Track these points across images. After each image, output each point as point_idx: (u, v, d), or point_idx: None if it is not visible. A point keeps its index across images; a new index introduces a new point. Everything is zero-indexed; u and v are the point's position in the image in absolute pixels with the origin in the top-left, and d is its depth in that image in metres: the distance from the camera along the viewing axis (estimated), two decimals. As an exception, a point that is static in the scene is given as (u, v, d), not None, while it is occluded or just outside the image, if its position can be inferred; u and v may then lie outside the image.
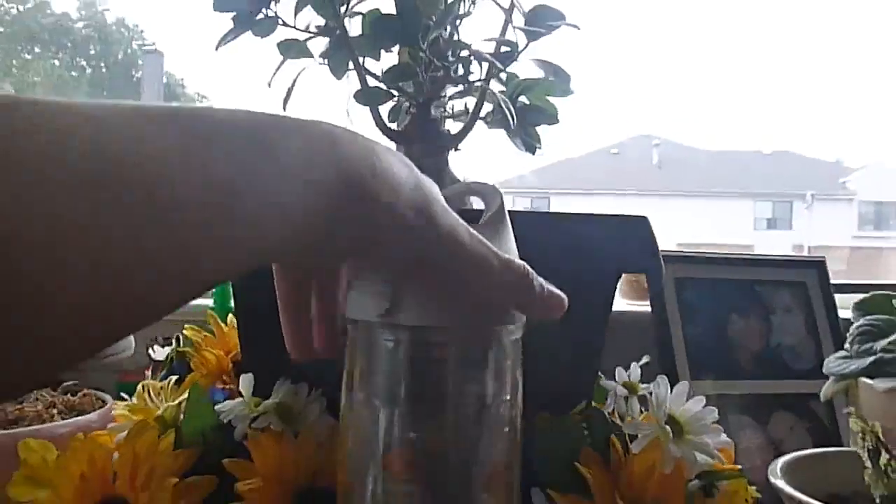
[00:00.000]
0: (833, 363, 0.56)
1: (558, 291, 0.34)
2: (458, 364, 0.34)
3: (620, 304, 0.84)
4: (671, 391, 0.47)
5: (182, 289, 0.23)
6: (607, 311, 0.52)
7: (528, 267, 0.33)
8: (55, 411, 0.63)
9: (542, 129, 0.64)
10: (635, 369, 0.50)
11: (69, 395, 0.67)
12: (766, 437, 0.69)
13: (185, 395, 0.49)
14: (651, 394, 0.47)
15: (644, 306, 0.80)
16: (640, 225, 0.51)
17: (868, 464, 0.39)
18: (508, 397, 0.35)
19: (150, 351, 0.74)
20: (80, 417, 0.63)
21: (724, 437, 0.48)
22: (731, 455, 0.50)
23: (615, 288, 0.53)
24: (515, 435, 0.35)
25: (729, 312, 0.73)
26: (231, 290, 0.51)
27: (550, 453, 0.43)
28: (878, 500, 0.39)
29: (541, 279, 0.34)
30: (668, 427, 0.45)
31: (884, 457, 0.38)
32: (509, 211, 0.40)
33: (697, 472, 0.47)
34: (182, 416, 0.47)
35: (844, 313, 0.77)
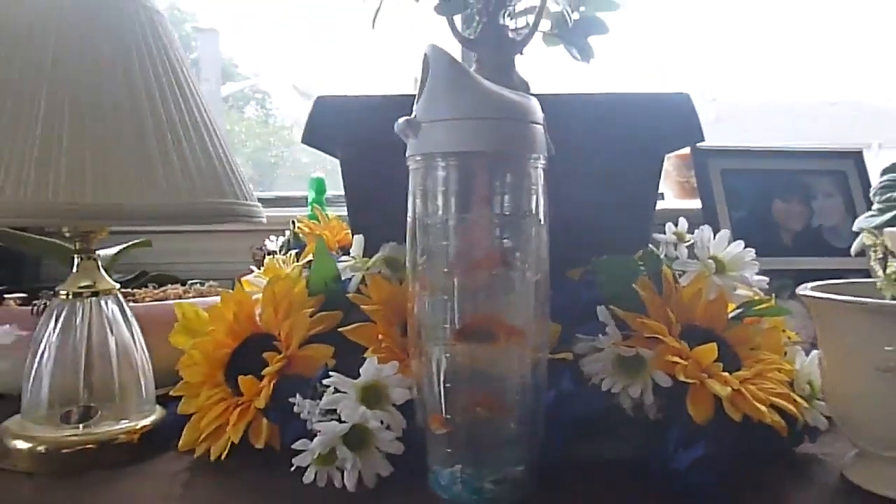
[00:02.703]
0: (861, 220, 0.63)
1: None
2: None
3: (671, 202, 0.92)
4: (714, 237, 0.56)
5: None
6: (656, 177, 0.61)
7: None
8: (190, 295, 0.75)
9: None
10: (683, 222, 0.59)
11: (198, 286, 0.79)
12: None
13: (309, 258, 0.60)
14: (697, 239, 0.55)
15: (693, 203, 0.87)
16: (682, 101, 0.58)
17: (879, 272, 0.47)
18: (537, 211, 0.44)
19: (255, 255, 0.86)
20: (208, 298, 0.74)
21: (760, 276, 0.56)
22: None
23: (661, 159, 0.61)
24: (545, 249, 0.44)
25: (773, 198, 0.80)
26: (341, 170, 0.61)
27: (614, 280, 0.52)
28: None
29: None
30: (711, 261, 0.54)
31: (891, 264, 0.46)
32: (550, 95, 0.48)
33: (739, 304, 0.55)
34: (308, 272, 0.58)
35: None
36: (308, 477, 0.45)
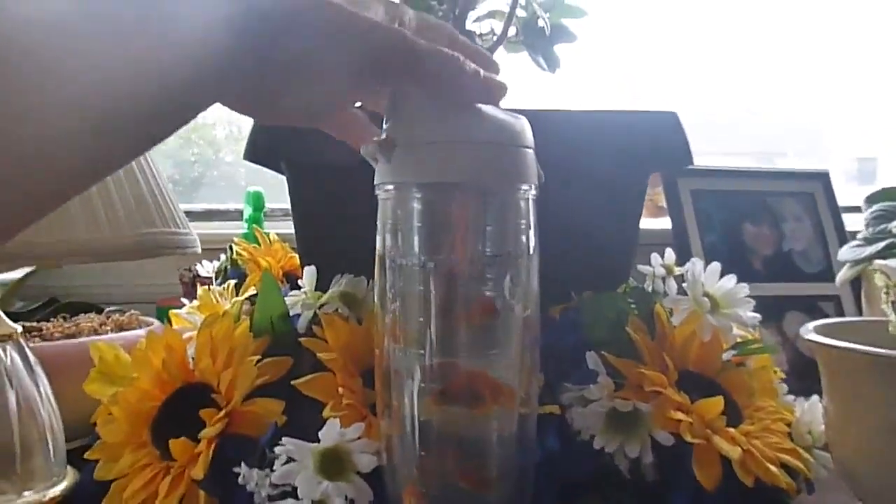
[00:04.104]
0: (847, 251, 0.60)
1: (496, 78, 0.37)
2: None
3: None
4: (704, 270, 0.51)
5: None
6: (640, 202, 0.56)
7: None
8: (108, 328, 0.66)
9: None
10: (670, 253, 0.54)
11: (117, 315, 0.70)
12: (782, 336, 0.73)
13: (252, 291, 0.52)
14: (687, 272, 0.51)
15: (660, 223, 0.84)
16: (670, 120, 0.54)
17: (893, 317, 0.43)
18: (527, 251, 0.38)
19: (182, 277, 0.77)
20: (129, 332, 0.65)
21: (753, 313, 0.52)
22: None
23: (646, 182, 0.56)
24: (534, 292, 0.38)
25: (743, 222, 0.77)
26: (288, 191, 0.53)
27: (601, 321, 0.46)
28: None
29: (473, 65, 0.35)
30: (705, 299, 0.49)
31: (907, 307, 0.42)
32: (540, 111, 0.42)
33: (732, 344, 0.51)
34: (250, 308, 0.50)
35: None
36: (256, 567, 0.37)
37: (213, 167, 1.38)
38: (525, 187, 0.38)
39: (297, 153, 0.51)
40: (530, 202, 0.38)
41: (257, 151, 0.51)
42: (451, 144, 0.35)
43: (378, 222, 0.39)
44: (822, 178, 0.82)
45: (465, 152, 0.36)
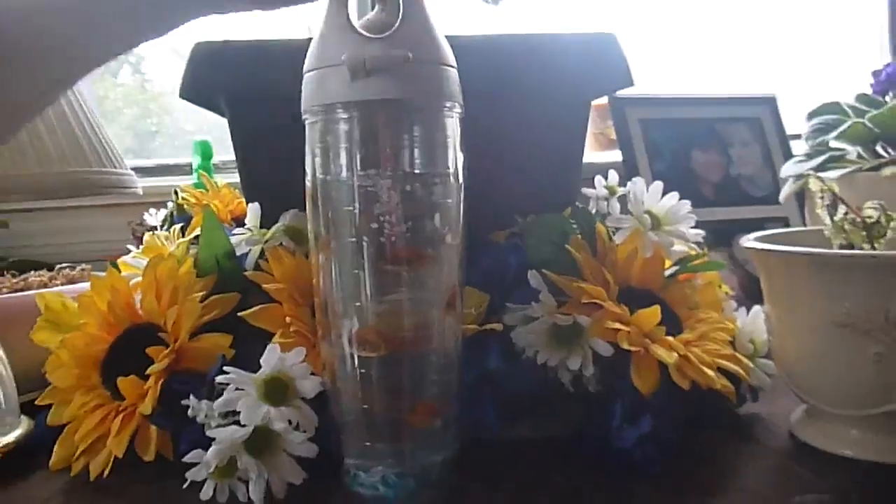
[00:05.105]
0: (788, 167, 0.61)
1: None
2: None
3: (588, 155, 0.88)
4: (647, 190, 0.52)
5: None
6: (583, 126, 0.56)
7: None
8: (58, 282, 0.65)
9: None
10: (613, 175, 0.54)
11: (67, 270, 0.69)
12: (733, 260, 0.75)
13: (195, 233, 0.52)
14: (630, 193, 0.51)
15: (613, 156, 0.84)
16: (608, 41, 0.53)
17: (827, 220, 0.44)
18: (455, 169, 0.38)
19: (135, 231, 0.76)
20: (78, 285, 0.64)
21: (697, 229, 0.53)
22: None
23: (589, 106, 0.56)
24: (459, 212, 0.39)
25: (692, 148, 0.77)
26: (230, 129, 0.52)
27: (544, 242, 0.47)
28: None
29: None
30: (646, 216, 0.49)
31: (840, 211, 0.43)
32: (462, 37, 0.41)
33: (676, 260, 0.52)
34: (195, 248, 0.50)
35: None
36: (206, 493, 0.38)
37: (171, 135, 1.35)
38: (449, 104, 0.38)
39: (237, 88, 0.50)
40: (456, 121, 0.38)
41: (195, 88, 0.50)
42: (374, 61, 0.35)
43: (307, 148, 0.38)
44: (770, 102, 0.82)
45: (388, 70, 0.36)
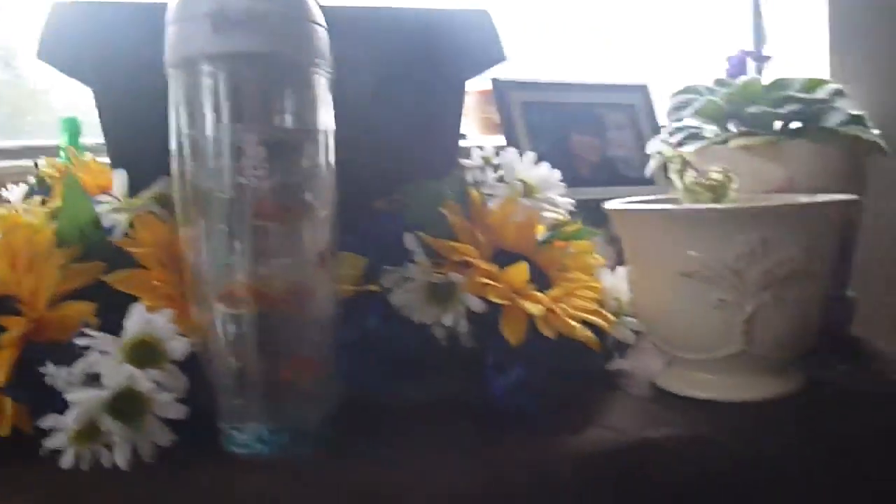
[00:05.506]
0: (652, 143, 0.65)
1: None
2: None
3: (477, 139, 0.90)
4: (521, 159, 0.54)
5: None
6: (459, 101, 0.57)
7: None
8: None
9: None
10: (490, 147, 0.56)
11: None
12: (610, 236, 0.78)
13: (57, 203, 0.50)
14: (503, 162, 0.53)
15: (497, 140, 0.86)
16: (481, 17, 0.55)
17: (678, 183, 0.47)
18: (321, 129, 0.39)
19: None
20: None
21: (567, 198, 0.55)
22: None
23: (464, 82, 0.58)
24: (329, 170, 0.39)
25: (570, 132, 0.81)
26: (93, 93, 0.50)
27: (420, 207, 0.48)
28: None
29: None
30: (519, 183, 0.51)
31: (689, 175, 0.47)
32: (335, 7, 0.42)
33: (550, 227, 0.54)
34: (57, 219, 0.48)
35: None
36: (66, 461, 0.36)
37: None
38: (317, 61, 0.38)
39: (100, 49, 0.48)
40: (324, 80, 0.39)
41: (53, 50, 0.48)
42: (237, 13, 0.35)
43: (170, 103, 0.38)
44: (643, 90, 0.88)
45: (253, 22, 0.35)
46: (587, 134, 0.82)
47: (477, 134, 0.92)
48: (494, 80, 0.82)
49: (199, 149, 0.37)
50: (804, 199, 0.46)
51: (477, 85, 0.89)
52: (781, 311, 0.44)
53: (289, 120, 0.37)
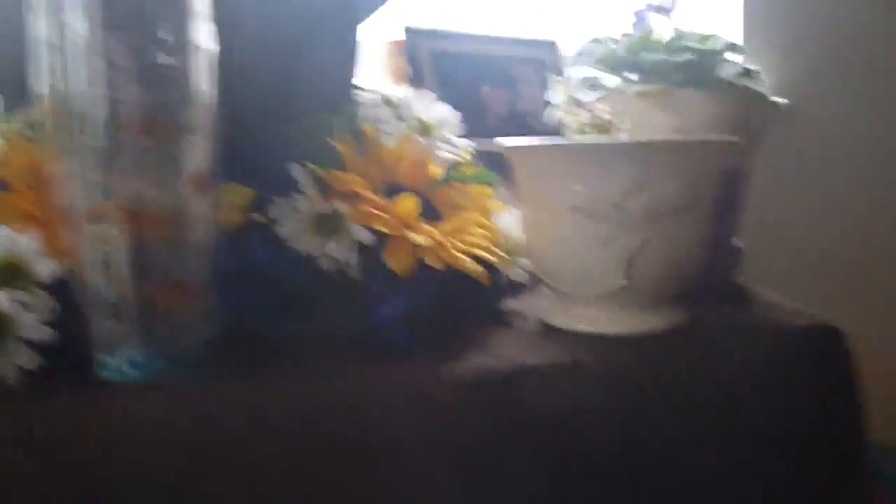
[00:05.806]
0: (554, 91, 0.66)
1: None
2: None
3: (388, 88, 0.89)
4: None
5: None
6: (353, 33, 0.56)
7: None
8: None
9: None
10: (392, 87, 0.56)
11: None
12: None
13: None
14: (401, 100, 0.53)
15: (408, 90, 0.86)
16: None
17: (569, 121, 0.48)
18: (199, 44, 0.37)
19: None
20: None
21: (466, 141, 0.55)
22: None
23: (356, 14, 0.56)
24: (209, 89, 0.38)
25: (481, 84, 0.81)
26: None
27: (311, 139, 0.47)
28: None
29: None
30: (416, 121, 0.51)
31: (581, 117, 0.48)
32: None
33: (447, 167, 0.54)
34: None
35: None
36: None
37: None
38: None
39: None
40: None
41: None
42: None
43: (35, 8, 0.36)
44: (551, 45, 0.88)
45: None
46: (497, 86, 0.82)
47: (389, 84, 0.91)
48: (406, 29, 0.81)
49: (66, 58, 0.35)
50: (685, 138, 0.48)
51: (390, 35, 0.87)
52: (663, 248, 0.46)
53: (164, 32, 0.36)
